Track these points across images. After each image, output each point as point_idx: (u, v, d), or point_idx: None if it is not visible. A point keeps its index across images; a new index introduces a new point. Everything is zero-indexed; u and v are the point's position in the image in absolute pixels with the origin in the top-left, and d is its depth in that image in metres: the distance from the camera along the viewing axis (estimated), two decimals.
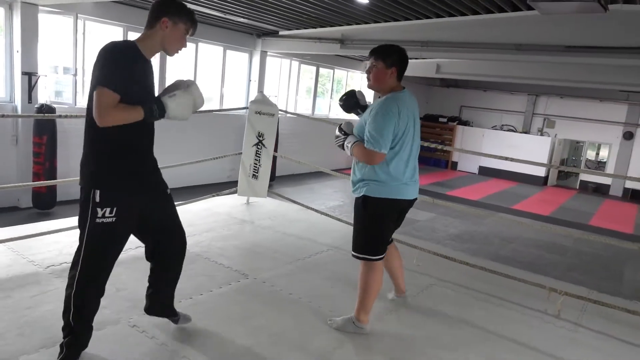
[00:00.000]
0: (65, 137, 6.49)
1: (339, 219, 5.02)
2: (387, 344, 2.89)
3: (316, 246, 4.46)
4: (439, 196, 9.31)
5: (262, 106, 3.65)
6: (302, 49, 9.00)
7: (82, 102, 6.97)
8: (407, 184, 2.79)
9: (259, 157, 3.65)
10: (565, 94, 13.50)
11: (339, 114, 12.39)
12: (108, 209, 2.14)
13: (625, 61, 6.02)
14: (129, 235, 2.33)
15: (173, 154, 7.43)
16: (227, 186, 6.04)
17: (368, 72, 2.80)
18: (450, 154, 15.00)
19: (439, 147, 4.85)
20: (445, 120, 15.37)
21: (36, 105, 6.07)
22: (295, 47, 9.01)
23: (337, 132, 2.87)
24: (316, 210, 5.35)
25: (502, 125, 14.76)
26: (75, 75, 6.80)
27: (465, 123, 15.27)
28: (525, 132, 14.25)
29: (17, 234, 3.79)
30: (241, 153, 4.78)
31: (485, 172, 14.35)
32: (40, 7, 6.08)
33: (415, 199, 2.90)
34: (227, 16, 7.42)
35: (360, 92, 3.09)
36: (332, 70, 11.90)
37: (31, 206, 6.25)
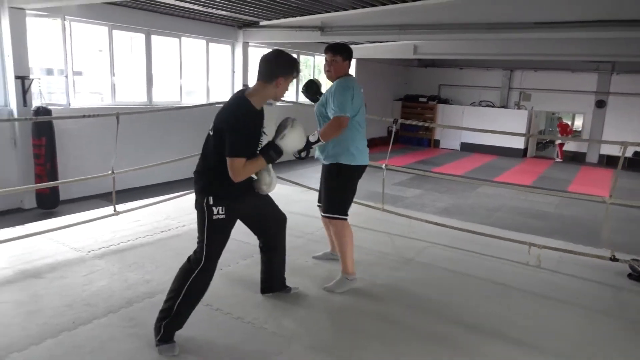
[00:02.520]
0: (62, 137, 6.67)
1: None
2: (396, 293, 3.38)
3: (319, 222, 4.81)
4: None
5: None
6: (283, 38, 9.22)
7: (75, 103, 7.13)
8: (364, 151, 3.41)
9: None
10: (538, 67, 13.97)
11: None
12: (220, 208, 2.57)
13: (592, 34, 6.41)
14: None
15: (163, 150, 7.66)
16: None
17: (328, 65, 3.35)
18: (433, 132, 15.41)
19: (421, 124, 5.20)
20: (425, 100, 15.73)
21: (32, 108, 6.23)
22: (276, 36, 9.23)
23: (298, 151, 3.21)
24: (316, 190, 5.71)
25: (481, 101, 15.20)
26: (66, 76, 6.95)
27: (445, 101, 15.67)
28: (503, 107, 14.72)
29: (51, 226, 4.12)
30: None
31: (466, 147, 14.81)
32: (27, 11, 6.21)
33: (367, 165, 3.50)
34: (209, 10, 7.60)
35: (318, 80, 3.66)
36: (312, 57, 12.13)
37: (35, 206, 6.44)
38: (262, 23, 8.96)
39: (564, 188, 9.74)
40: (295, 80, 2.62)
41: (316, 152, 3.42)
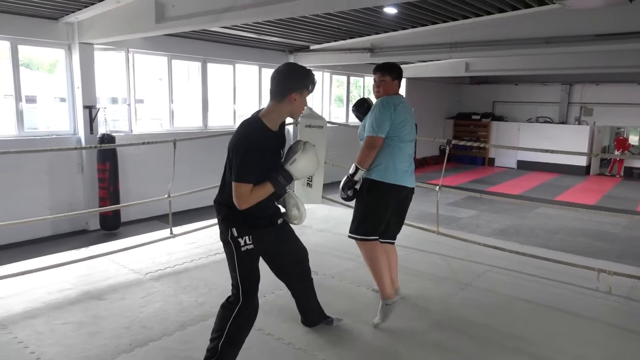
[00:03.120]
0: (125, 162, 7.02)
1: None
2: (454, 322, 3.20)
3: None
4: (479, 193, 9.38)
5: (311, 119, 3.96)
6: (333, 61, 9.34)
7: (137, 129, 7.52)
8: (406, 172, 3.14)
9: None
10: (600, 80, 13.28)
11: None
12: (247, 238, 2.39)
13: None
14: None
15: (218, 173, 7.88)
16: None
17: (377, 85, 3.24)
18: (487, 150, 14.94)
19: (474, 144, 5.04)
20: (478, 117, 15.34)
21: (98, 135, 6.62)
22: (326, 59, 9.36)
23: (346, 190, 3.15)
24: None
25: (538, 117, 14.62)
26: (129, 104, 7.36)
27: (500, 118, 15.20)
28: (563, 123, 14.06)
29: (112, 249, 4.30)
30: None
31: (524, 165, 14.23)
32: (95, 45, 6.66)
33: (413, 188, 3.23)
34: (261, 37, 7.84)
35: (369, 99, 3.53)
36: (362, 78, 12.18)
37: (99, 228, 6.79)
38: (313, 47, 9.12)
39: (632, 208, 9.09)
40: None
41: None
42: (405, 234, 5.00)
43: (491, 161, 15.06)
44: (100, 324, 3.00)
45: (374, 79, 3.26)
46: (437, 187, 4.63)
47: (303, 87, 2.34)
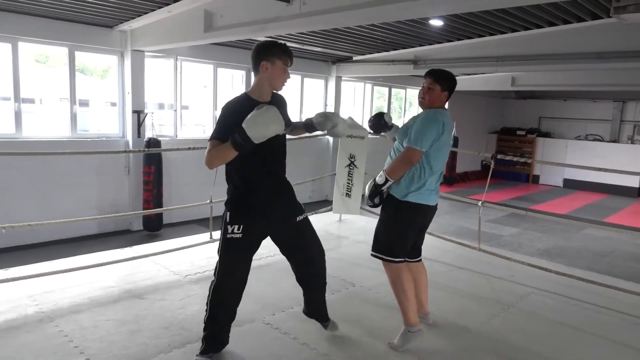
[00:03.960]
0: (169, 166, 7.23)
1: (429, 233, 5.16)
2: (494, 345, 3.09)
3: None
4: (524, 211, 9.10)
5: (352, 130, 3.95)
6: (375, 72, 9.32)
7: (181, 134, 7.74)
8: (433, 191, 2.97)
9: (351, 177, 3.94)
10: None
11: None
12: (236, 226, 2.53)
13: None
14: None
15: None
16: (310, 207, 6.42)
17: (424, 92, 2.98)
18: (531, 167, 14.46)
19: (519, 159, 4.87)
20: (523, 132, 14.90)
21: (145, 139, 6.85)
22: (368, 70, 9.35)
23: (373, 199, 3.03)
24: None
25: (587, 134, 14.05)
26: (175, 110, 7.59)
27: (546, 135, 14.71)
28: (614, 141, 13.45)
29: (154, 250, 4.43)
30: (320, 177, 5.16)
31: (570, 184, 13.67)
32: (146, 53, 6.92)
33: (436, 205, 3.07)
34: (305, 47, 7.93)
35: (388, 114, 3.40)
36: (404, 90, 12.09)
37: (142, 229, 7.00)
38: (355, 58, 9.15)
39: None
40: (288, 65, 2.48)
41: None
42: (445, 249, 4.91)
43: (536, 178, 14.55)
44: (141, 323, 3.08)
45: (423, 84, 3.01)
46: (480, 202, 4.50)
47: (271, 56, 2.48)
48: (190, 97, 8.10)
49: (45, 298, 3.30)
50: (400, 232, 2.95)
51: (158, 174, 6.84)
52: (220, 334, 2.68)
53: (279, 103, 2.66)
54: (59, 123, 6.61)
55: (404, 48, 8.02)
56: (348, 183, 4.98)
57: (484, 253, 4.63)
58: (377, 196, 3.01)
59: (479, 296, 3.86)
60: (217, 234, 4.78)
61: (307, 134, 3.03)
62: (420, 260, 3.26)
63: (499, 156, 4.41)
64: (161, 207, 6.79)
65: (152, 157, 6.77)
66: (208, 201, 4.57)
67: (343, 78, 10.08)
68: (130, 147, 6.91)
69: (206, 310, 2.63)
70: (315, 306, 2.95)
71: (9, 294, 3.38)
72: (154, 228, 6.93)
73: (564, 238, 7.54)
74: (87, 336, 2.86)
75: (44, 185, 6.26)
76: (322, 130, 2.82)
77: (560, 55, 6.67)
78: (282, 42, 2.59)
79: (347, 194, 4.85)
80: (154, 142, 6.73)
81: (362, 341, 3.02)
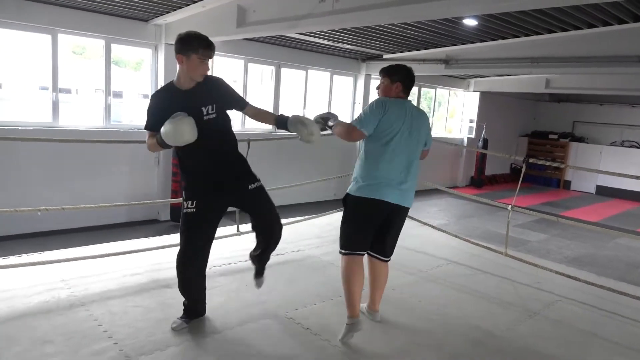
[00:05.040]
0: None
1: (455, 235, 5.12)
2: (519, 350, 3.05)
3: (434, 260, 4.63)
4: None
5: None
6: None
7: None
8: (392, 186, 2.87)
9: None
10: None
11: (438, 133, 12.37)
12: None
13: None
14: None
15: (284, 175, 8.03)
16: (334, 204, 6.43)
17: (378, 88, 3.11)
18: (563, 172, 14.09)
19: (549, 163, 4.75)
20: (555, 136, 14.51)
21: None
22: None
23: (319, 120, 3.07)
24: (432, 226, 5.53)
25: (624, 141, 13.58)
26: None
27: (580, 139, 14.29)
28: None
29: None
30: (346, 174, 5.13)
31: (604, 191, 13.26)
32: None
33: (405, 207, 2.98)
34: (336, 44, 7.92)
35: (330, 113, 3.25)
36: (433, 90, 11.95)
37: (169, 219, 7.14)
38: (386, 56, 9.08)
39: None
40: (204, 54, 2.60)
41: None
42: (471, 252, 4.84)
43: (567, 184, 14.17)
44: (167, 311, 3.15)
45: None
46: (510, 206, 4.42)
47: (187, 50, 2.59)
48: None
49: (77, 282, 3.42)
50: (348, 226, 2.99)
51: None
52: (195, 305, 3.00)
53: (213, 87, 2.81)
54: (94, 113, 6.79)
55: (435, 47, 7.92)
56: None
57: (511, 258, 4.54)
58: (319, 126, 3.00)
59: (505, 301, 3.79)
60: (243, 227, 4.85)
61: (282, 131, 3.05)
62: (387, 261, 3.18)
63: (530, 160, 4.31)
64: None
65: None
66: None
67: (372, 76, 10.02)
68: None
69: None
70: (259, 256, 3.11)
71: (43, 277, 3.51)
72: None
73: (594, 246, 7.32)
74: (116, 321, 2.95)
75: (78, 172, 6.45)
76: (296, 134, 2.87)
77: (599, 57, 6.46)
78: (204, 36, 2.68)
79: None
80: None
81: (383, 338, 3.00)
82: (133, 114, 7.42)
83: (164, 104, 2.63)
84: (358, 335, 2.95)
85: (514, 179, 14.11)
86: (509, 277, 4.30)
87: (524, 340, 3.18)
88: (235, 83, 8.29)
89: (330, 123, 3.02)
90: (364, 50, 8.70)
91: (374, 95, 10.36)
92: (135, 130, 7.07)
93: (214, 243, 4.46)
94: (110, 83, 6.74)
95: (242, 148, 4.84)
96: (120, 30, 6.59)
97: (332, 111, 3.45)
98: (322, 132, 3.01)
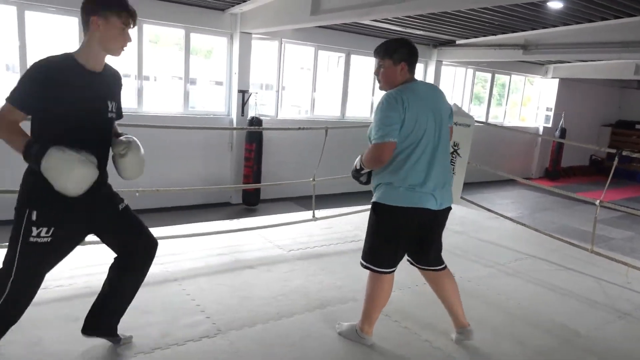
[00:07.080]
0: (268, 144, 7.54)
1: (535, 229, 4.92)
2: (608, 350, 2.92)
3: (513, 253, 4.50)
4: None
5: (458, 117, 3.85)
6: (479, 57, 8.92)
7: (282, 115, 8.01)
8: (431, 189, 2.39)
9: (454, 165, 3.86)
10: None
11: (511, 121, 11.84)
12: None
13: None
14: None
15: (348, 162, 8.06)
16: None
17: (376, 73, 2.52)
18: None
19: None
20: None
21: (248, 118, 7.19)
22: (471, 55, 8.97)
23: (354, 174, 2.65)
24: (510, 219, 5.36)
25: None
26: (277, 91, 7.86)
27: None
28: None
29: (260, 224, 4.64)
30: None
31: None
32: (253, 35, 7.21)
33: (446, 209, 2.51)
34: (407, 30, 7.77)
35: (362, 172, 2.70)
36: (508, 76, 11.43)
37: (240, 202, 7.42)
38: (459, 42, 8.80)
39: None
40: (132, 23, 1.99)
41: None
42: (550, 248, 4.64)
43: None
44: (250, 290, 3.29)
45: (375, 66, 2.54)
46: (598, 201, 4.18)
47: (106, 10, 1.92)
48: (289, 78, 8.34)
49: (168, 259, 3.64)
50: (379, 240, 2.51)
51: (258, 151, 7.17)
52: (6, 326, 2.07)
53: (117, 81, 2.19)
54: (172, 99, 7.14)
55: (513, 32, 7.57)
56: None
57: (597, 256, 4.30)
58: (362, 176, 2.61)
59: (592, 300, 3.61)
60: (319, 213, 4.94)
61: None
62: (442, 270, 2.69)
63: (624, 152, 4.03)
64: (259, 183, 7.12)
65: (254, 136, 7.10)
66: (311, 179, 4.72)
67: (444, 62, 9.76)
68: (234, 125, 7.29)
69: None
70: (115, 306, 2.37)
71: None
72: (252, 203, 7.30)
73: None
74: (206, 297, 3.12)
75: (158, 156, 6.82)
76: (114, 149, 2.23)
77: None
78: None
79: None
80: (256, 121, 7.05)
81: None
82: (206, 100, 7.73)
83: (60, 78, 1.89)
84: (437, 322, 2.94)
85: (593, 172, 13.27)
86: (594, 274, 4.09)
87: (613, 342, 3.02)
88: (302, 70, 8.39)
89: (357, 164, 2.57)
90: (435, 36, 8.48)
91: (445, 83, 10.08)
92: (211, 116, 7.36)
93: (288, 227, 4.62)
94: (189, 71, 7.05)
95: (319, 136, 4.88)
96: (199, 19, 6.85)
97: None
98: (360, 177, 2.60)
